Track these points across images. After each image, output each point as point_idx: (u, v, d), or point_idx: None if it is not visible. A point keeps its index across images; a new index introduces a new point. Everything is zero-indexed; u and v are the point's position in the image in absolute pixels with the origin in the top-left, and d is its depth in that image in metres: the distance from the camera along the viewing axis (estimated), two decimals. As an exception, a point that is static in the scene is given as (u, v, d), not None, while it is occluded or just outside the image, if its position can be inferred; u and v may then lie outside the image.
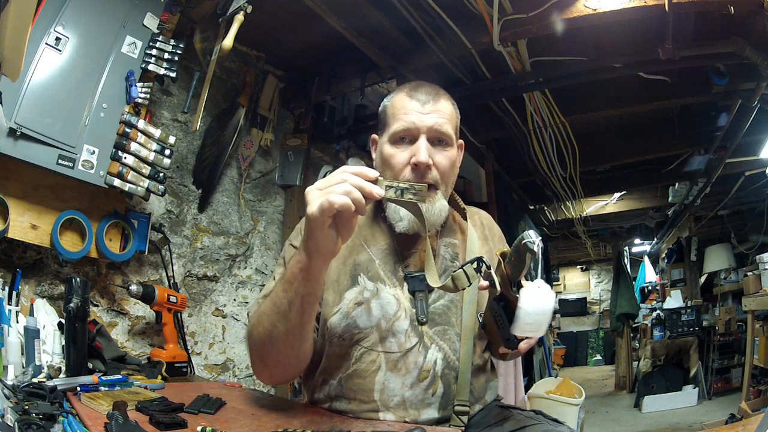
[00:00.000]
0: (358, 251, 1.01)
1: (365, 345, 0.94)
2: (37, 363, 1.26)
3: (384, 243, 1.02)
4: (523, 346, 0.82)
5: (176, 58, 1.70)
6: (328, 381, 0.98)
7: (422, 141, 0.95)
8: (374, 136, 1.09)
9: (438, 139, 0.98)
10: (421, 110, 0.97)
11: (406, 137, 0.97)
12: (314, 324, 0.95)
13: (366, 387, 0.93)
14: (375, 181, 0.76)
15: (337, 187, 0.74)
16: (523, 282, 0.80)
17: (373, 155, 1.09)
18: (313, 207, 0.74)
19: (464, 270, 0.83)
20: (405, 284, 0.98)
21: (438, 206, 0.97)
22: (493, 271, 0.81)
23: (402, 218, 0.98)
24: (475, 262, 0.83)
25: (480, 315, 0.94)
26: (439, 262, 1.02)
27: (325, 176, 2.71)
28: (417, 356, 0.93)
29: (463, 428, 0.92)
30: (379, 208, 1.06)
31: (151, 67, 1.65)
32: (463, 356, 0.95)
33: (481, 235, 1.10)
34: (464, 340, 0.96)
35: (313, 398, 1.02)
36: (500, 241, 1.14)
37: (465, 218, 1.09)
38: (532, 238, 0.75)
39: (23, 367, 1.24)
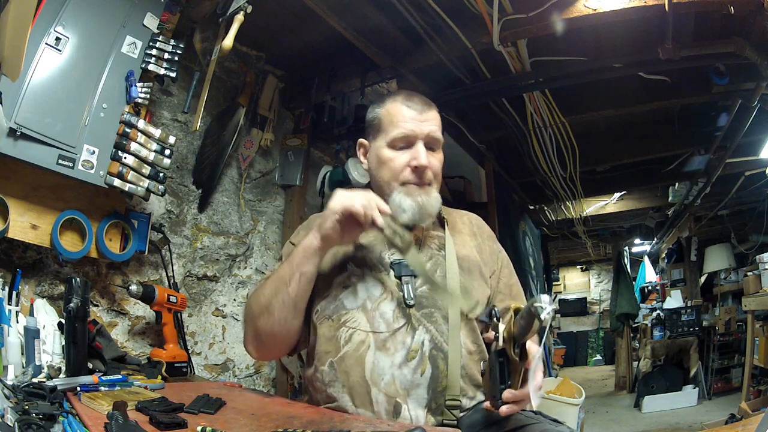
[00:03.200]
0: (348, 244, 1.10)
1: (352, 326, 1.01)
2: (37, 363, 1.26)
3: (373, 234, 1.09)
4: (504, 410, 0.83)
5: (176, 58, 1.70)
6: (321, 367, 1.02)
7: (420, 146, 1.07)
8: (362, 140, 1.18)
9: (431, 145, 1.10)
10: (419, 118, 1.08)
11: (405, 143, 1.08)
12: (303, 311, 1.04)
13: (357, 367, 0.97)
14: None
15: (361, 198, 0.94)
16: (529, 386, 0.80)
17: (362, 159, 1.19)
18: (336, 202, 0.95)
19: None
20: (391, 270, 1.05)
21: (434, 198, 1.09)
22: (501, 324, 0.83)
23: (405, 210, 1.06)
24: (489, 311, 0.87)
25: (483, 362, 0.97)
26: (426, 251, 1.10)
27: (324, 176, 2.70)
28: (405, 336, 0.98)
29: (456, 423, 0.95)
30: None
31: (151, 67, 1.65)
32: (450, 338, 1.00)
33: (470, 232, 1.20)
34: (451, 324, 1.01)
35: (314, 386, 1.06)
36: (489, 239, 1.22)
37: (442, 219, 1.18)
38: (544, 304, 0.71)
39: (23, 367, 1.24)
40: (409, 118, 1.07)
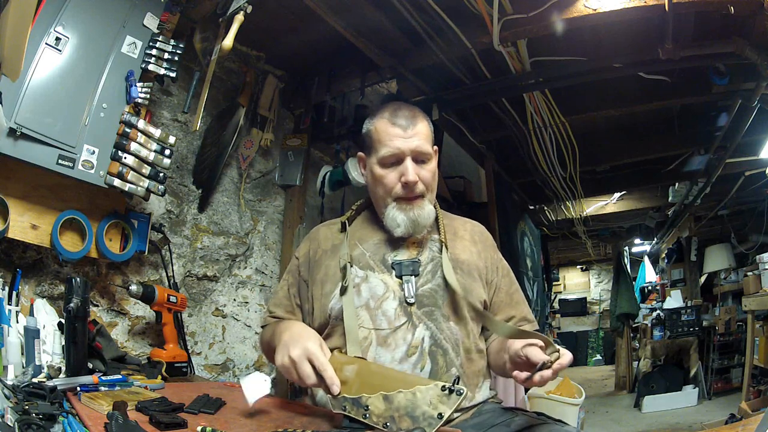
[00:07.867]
0: (352, 249, 1.15)
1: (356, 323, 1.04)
2: (37, 363, 1.26)
3: (377, 238, 1.17)
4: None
5: (176, 58, 1.70)
6: None
7: (408, 162, 1.10)
8: (361, 154, 1.23)
9: (420, 158, 1.13)
10: (404, 135, 1.11)
11: (394, 160, 1.12)
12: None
13: None
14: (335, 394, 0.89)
15: (302, 372, 0.91)
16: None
17: (362, 171, 1.24)
18: (278, 361, 0.95)
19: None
20: (393, 271, 1.10)
21: (426, 210, 1.13)
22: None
23: (399, 224, 1.11)
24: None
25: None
26: (426, 253, 1.14)
27: (324, 176, 2.70)
28: (405, 333, 1.03)
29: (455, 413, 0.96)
30: (374, 214, 1.21)
31: (151, 67, 1.65)
32: (450, 336, 1.04)
33: (471, 239, 1.23)
34: (452, 322, 1.05)
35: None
36: (491, 248, 1.25)
37: (439, 229, 1.20)
38: None
39: (23, 367, 1.24)
40: (395, 135, 1.11)
